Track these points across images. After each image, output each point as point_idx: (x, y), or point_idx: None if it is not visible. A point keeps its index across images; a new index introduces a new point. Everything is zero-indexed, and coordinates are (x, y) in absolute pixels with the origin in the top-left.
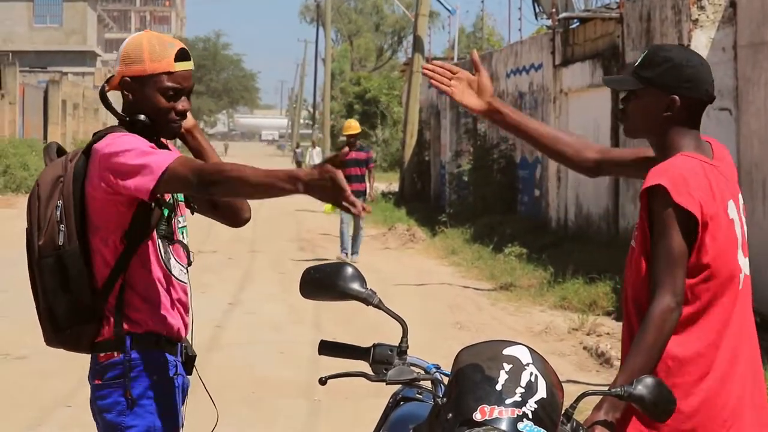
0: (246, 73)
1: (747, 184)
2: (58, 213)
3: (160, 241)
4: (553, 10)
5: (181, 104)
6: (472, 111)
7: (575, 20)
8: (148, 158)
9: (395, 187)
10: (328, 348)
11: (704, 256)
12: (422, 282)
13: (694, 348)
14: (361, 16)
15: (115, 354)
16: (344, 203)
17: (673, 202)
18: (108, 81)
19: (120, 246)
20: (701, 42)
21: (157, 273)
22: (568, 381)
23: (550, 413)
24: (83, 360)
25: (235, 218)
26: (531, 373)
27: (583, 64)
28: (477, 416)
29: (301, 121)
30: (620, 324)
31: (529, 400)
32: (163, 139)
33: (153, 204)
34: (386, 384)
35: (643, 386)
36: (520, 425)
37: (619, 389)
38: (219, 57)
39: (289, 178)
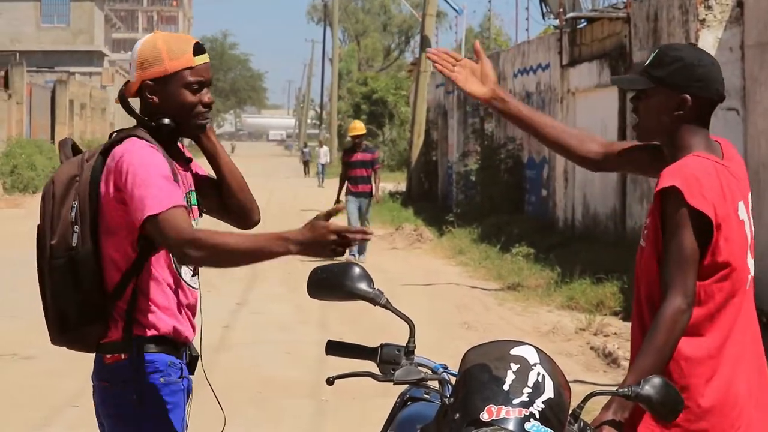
0: (253, 73)
1: (755, 184)
2: (73, 214)
3: None
4: (561, 10)
5: (207, 96)
6: (476, 97)
7: (582, 20)
8: (151, 191)
9: (402, 187)
10: (335, 348)
11: (718, 257)
12: (429, 282)
13: (706, 349)
14: (368, 16)
15: (123, 356)
16: (347, 243)
17: (686, 204)
18: (125, 87)
19: (132, 251)
20: (708, 42)
21: (168, 278)
22: (576, 381)
23: (557, 413)
24: (90, 360)
25: (246, 220)
26: (538, 373)
27: (590, 64)
28: (484, 416)
29: (309, 121)
30: (628, 324)
31: (537, 400)
32: (180, 145)
33: None
34: (393, 384)
35: (651, 386)
36: (527, 425)
37: (626, 389)
38: (226, 57)
39: (278, 240)
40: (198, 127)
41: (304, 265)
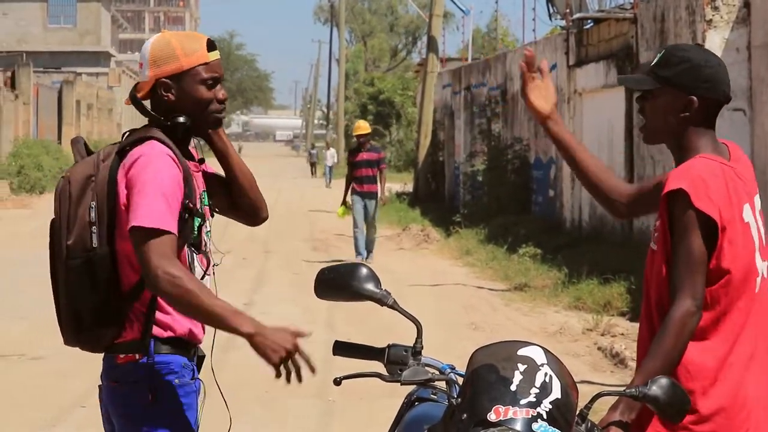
0: (260, 74)
1: (762, 184)
2: (92, 214)
3: (188, 249)
4: (567, 10)
5: (221, 92)
6: (538, 112)
7: (589, 21)
8: (152, 204)
9: (409, 187)
10: (342, 348)
11: (723, 260)
12: (436, 282)
13: (712, 353)
14: (375, 17)
15: (137, 356)
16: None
17: (693, 206)
18: (136, 88)
19: None
20: (715, 42)
21: None
22: (583, 381)
23: (564, 414)
24: (98, 360)
25: (254, 217)
26: (546, 374)
27: (597, 65)
28: (492, 417)
29: (315, 121)
30: (635, 324)
31: (544, 401)
32: (192, 149)
33: (186, 215)
34: (401, 384)
35: (658, 387)
36: (534, 426)
37: (633, 390)
38: (233, 57)
39: (241, 318)
40: (214, 122)
41: (311, 266)
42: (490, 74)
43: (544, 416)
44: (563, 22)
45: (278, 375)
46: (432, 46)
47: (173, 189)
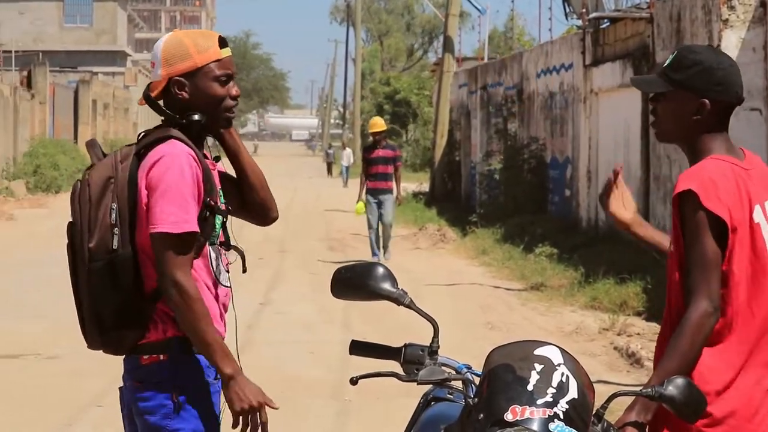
0: (276, 73)
1: None
2: (114, 216)
3: (210, 248)
4: (584, 10)
5: (235, 89)
6: (620, 221)
7: (605, 20)
8: (173, 209)
9: (425, 187)
10: (359, 348)
11: (733, 262)
12: (453, 282)
13: (726, 356)
14: (391, 16)
15: (161, 357)
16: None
17: (702, 207)
18: (149, 88)
19: None
20: (731, 42)
21: (207, 279)
22: (599, 381)
23: (581, 414)
24: (115, 360)
25: (264, 217)
26: (562, 374)
27: (613, 64)
28: (508, 416)
29: (332, 121)
30: (651, 324)
31: (561, 401)
32: (205, 151)
33: (207, 213)
34: (417, 384)
35: (674, 387)
36: (551, 426)
37: (650, 390)
38: (249, 56)
39: (230, 362)
40: (227, 120)
41: (327, 267)
42: (507, 74)
43: (561, 416)
44: (579, 22)
45: (235, 425)
46: (448, 45)
47: (195, 189)
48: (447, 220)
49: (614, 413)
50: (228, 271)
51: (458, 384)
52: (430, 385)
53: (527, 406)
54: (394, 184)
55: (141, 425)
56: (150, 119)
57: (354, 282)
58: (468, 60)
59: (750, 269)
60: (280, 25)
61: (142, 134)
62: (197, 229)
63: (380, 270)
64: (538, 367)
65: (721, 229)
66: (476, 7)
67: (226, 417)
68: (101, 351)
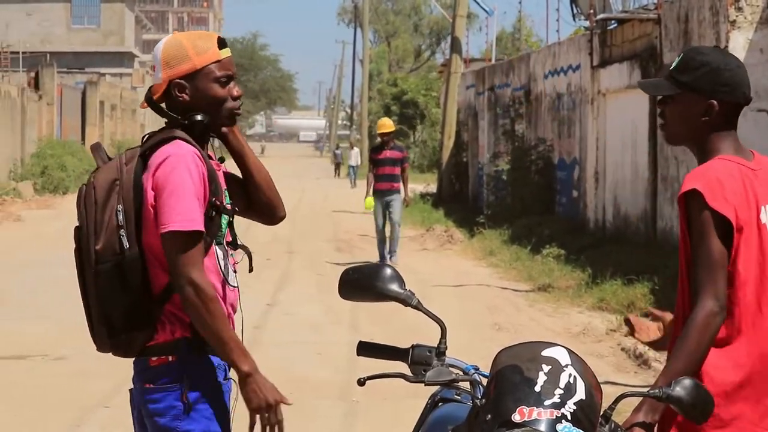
0: (283, 74)
1: None
2: (120, 218)
3: (217, 248)
4: (591, 11)
5: (236, 89)
6: None
7: (613, 21)
8: (181, 207)
9: (433, 188)
10: (366, 349)
11: (740, 262)
12: (460, 283)
13: (734, 357)
14: (399, 17)
15: (170, 358)
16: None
17: (708, 206)
18: (150, 91)
19: None
20: (739, 43)
21: (215, 280)
22: (607, 382)
23: (588, 414)
24: (122, 361)
25: (272, 217)
26: (570, 375)
27: (620, 65)
28: (516, 417)
29: (339, 122)
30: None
31: (568, 402)
32: (209, 151)
33: (213, 212)
34: (425, 385)
35: (681, 388)
36: (558, 427)
37: (657, 391)
38: (256, 57)
39: (247, 360)
40: (230, 120)
41: (334, 268)
42: (514, 75)
43: (569, 417)
44: (587, 23)
45: (252, 422)
46: (456, 46)
47: (201, 189)
48: (454, 221)
49: (622, 414)
50: (236, 272)
51: (466, 385)
52: (438, 386)
53: (535, 407)
54: (401, 185)
55: (151, 427)
56: (157, 120)
57: (362, 283)
58: (475, 61)
59: (758, 270)
60: (287, 27)
61: (147, 136)
62: (201, 229)
63: (388, 271)
64: (546, 368)
65: (726, 229)
66: (484, 9)
67: (236, 417)
68: (111, 354)
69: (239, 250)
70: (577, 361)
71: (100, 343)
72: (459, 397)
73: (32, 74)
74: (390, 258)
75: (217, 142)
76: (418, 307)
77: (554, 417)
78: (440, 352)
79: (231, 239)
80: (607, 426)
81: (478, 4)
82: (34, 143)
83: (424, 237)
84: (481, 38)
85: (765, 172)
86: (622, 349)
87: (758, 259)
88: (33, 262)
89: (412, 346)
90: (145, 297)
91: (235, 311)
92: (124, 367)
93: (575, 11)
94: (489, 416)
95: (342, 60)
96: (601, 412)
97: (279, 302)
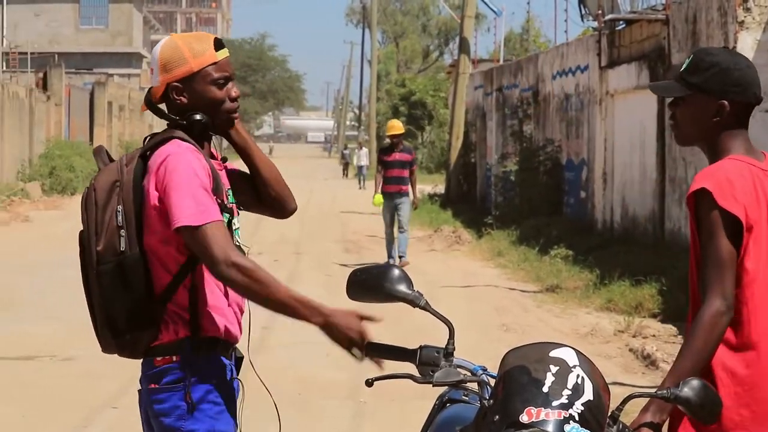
0: (292, 74)
1: None
2: (119, 218)
3: None
4: (599, 11)
5: (234, 90)
6: None
7: (621, 22)
8: (190, 202)
9: (441, 189)
10: (374, 350)
11: (748, 260)
12: (468, 284)
13: (743, 356)
14: (407, 18)
15: (174, 358)
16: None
17: (717, 205)
18: (149, 94)
19: (181, 252)
20: (747, 44)
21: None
22: (614, 383)
23: (596, 415)
24: (130, 362)
25: (282, 210)
26: (578, 375)
27: (629, 66)
28: (524, 418)
29: (347, 122)
30: (666, 326)
31: (576, 402)
32: (212, 149)
33: None
34: (433, 386)
35: (690, 388)
36: (566, 427)
37: (665, 391)
38: (265, 58)
39: (314, 311)
40: (228, 121)
41: (342, 269)
42: (522, 75)
43: (576, 418)
44: (595, 24)
45: (356, 357)
46: (464, 47)
47: (206, 177)
48: (462, 221)
49: (629, 415)
50: None
51: (473, 386)
52: (446, 387)
53: (542, 408)
54: (409, 188)
55: (157, 427)
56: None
57: (369, 284)
58: (484, 62)
59: (766, 269)
60: (295, 27)
61: (148, 138)
62: (219, 217)
63: (396, 272)
64: (554, 368)
65: (736, 228)
66: (492, 9)
67: (243, 417)
68: (116, 355)
69: (244, 247)
70: (585, 362)
71: (105, 344)
72: (467, 398)
73: (40, 75)
74: (399, 261)
75: (225, 143)
76: (426, 308)
77: (562, 418)
78: (448, 353)
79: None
80: (615, 427)
81: (486, 4)
82: (42, 144)
83: (432, 238)
84: (490, 39)
85: None
86: (630, 350)
87: (767, 258)
88: (41, 262)
89: (420, 347)
90: (148, 296)
91: (242, 311)
92: (132, 368)
93: (583, 12)
94: (497, 417)
95: (350, 60)
96: (609, 413)
97: None
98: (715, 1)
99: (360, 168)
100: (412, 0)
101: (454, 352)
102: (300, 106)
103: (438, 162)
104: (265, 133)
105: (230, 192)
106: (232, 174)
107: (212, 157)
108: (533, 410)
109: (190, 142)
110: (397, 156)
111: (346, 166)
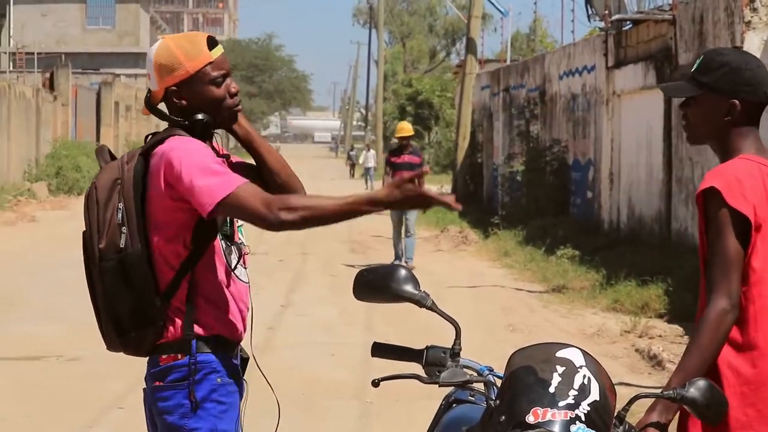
0: (298, 75)
1: None
2: (120, 216)
3: (223, 241)
4: (606, 11)
5: (233, 86)
6: None
7: (628, 22)
8: (213, 179)
9: (447, 189)
10: (380, 350)
11: (755, 260)
12: (475, 284)
13: (749, 356)
14: (414, 18)
15: (179, 356)
16: (439, 203)
17: (726, 204)
18: (149, 97)
19: (185, 248)
20: (754, 44)
21: (221, 275)
22: (621, 383)
23: (602, 416)
24: (136, 362)
25: None
26: (584, 376)
27: (635, 66)
28: (530, 419)
29: (354, 122)
30: (672, 326)
31: (582, 403)
32: (215, 144)
33: None
34: (439, 386)
35: (696, 389)
36: (572, 428)
37: (671, 392)
38: (271, 58)
39: (368, 202)
40: (231, 117)
41: (348, 269)
42: (529, 75)
43: (583, 418)
44: (602, 24)
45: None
46: (471, 47)
47: (213, 155)
48: (469, 222)
49: (636, 415)
50: (245, 267)
51: (480, 386)
52: (452, 387)
53: (549, 408)
54: None
55: (161, 425)
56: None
57: (376, 284)
58: (490, 62)
59: None
60: (302, 27)
61: (149, 136)
62: (242, 180)
63: (402, 272)
64: (560, 369)
65: (744, 227)
66: (499, 9)
67: (246, 416)
68: (122, 353)
69: (248, 246)
70: (591, 362)
71: (110, 342)
72: (473, 399)
73: (47, 75)
74: (406, 261)
75: (231, 143)
76: (433, 308)
77: (568, 418)
78: (454, 353)
79: (229, 234)
80: (621, 427)
81: (493, 4)
82: (48, 144)
83: (439, 238)
84: (496, 39)
85: None
86: (636, 351)
87: None
88: (48, 263)
89: (427, 347)
90: (151, 294)
91: (247, 308)
92: (138, 368)
93: (590, 12)
94: (503, 417)
95: (357, 61)
96: (615, 414)
97: (293, 303)
98: (721, 1)
99: (367, 170)
100: (419, 0)
101: (461, 353)
102: (307, 106)
103: (444, 162)
104: (271, 134)
105: None
106: (238, 167)
107: (216, 154)
108: (539, 411)
109: (189, 137)
110: (406, 158)
111: (352, 167)
